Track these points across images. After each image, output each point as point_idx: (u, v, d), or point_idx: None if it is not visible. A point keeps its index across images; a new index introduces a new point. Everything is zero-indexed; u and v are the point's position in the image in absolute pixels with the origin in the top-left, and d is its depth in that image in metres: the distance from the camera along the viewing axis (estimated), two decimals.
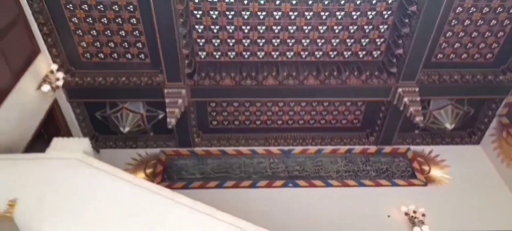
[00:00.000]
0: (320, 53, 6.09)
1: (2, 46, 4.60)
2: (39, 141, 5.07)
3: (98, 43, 5.77)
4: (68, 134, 6.12)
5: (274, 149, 7.19)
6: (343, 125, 7.29)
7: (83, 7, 5.33)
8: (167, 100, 6.04)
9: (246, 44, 5.92)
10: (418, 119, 6.01)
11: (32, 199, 3.57)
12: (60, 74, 5.56)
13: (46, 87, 5.28)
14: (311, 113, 7.10)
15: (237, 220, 3.61)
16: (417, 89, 6.14)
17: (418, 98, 6.10)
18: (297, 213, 6.04)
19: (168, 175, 6.73)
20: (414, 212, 5.96)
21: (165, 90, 6.05)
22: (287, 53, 6.08)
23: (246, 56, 6.09)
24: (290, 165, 6.95)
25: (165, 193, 3.90)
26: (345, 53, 6.11)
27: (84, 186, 3.80)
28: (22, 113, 5.00)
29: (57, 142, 4.15)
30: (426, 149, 7.26)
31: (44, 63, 5.51)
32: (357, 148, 7.24)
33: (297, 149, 7.21)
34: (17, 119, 4.90)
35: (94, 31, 5.61)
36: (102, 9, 5.35)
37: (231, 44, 5.91)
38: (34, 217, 3.41)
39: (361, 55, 6.16)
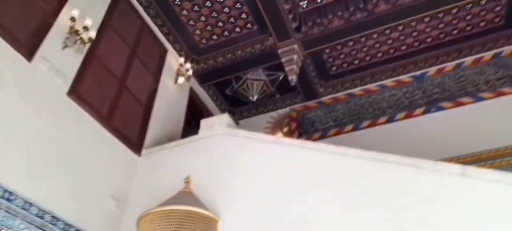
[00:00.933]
0: None
1: (138, 56, 5.25)
2: (189, 126, 5.80)
3: (209, 26, 6.15)
4: (209, 114, 6.80)
5: (405, 77, 6.61)
6: (482, 28, 6.22)
7: None
8: (282, 60, 6.13)
9: None
10: None
11: (198, 175, 4.11)
12: (188, 65, 6.13)
13: (181, 80, 5.92)
14: (438, 27, 6.24)
15: (387, 156, 3.50)
16: None
17: None
18: (447, 138, 5.52)
19: (304, 129, 6.92)
20: None
21: (279, 51, 6.14)
22: None
23: None
24: (427, 89, 6.33)
25: (308, 145, 4.04)
26: None
27: (236, 154, 4.19)
28: (170, 107, 5.71)
29: (204, 123, 4.63)
30: None
31: (173, 60, 6.15)
32: (507, 49, 6.10)
33: (431, 70, 6.48)
34: (169, 113, 5.61)
35: (202, 17, 5.98)
36: None
37: None
38: (205, 189, 3.93)
39: None
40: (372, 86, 6.83)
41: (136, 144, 4.68)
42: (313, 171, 3.69)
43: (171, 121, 5.62)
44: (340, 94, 7.03)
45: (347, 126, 6.57)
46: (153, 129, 5.06)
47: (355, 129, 6.46)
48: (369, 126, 6.38)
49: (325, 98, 7.10)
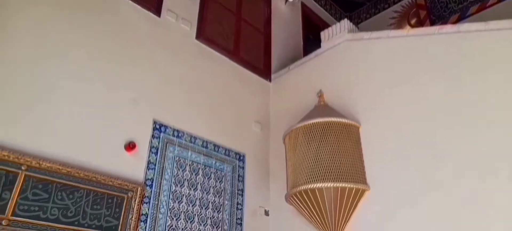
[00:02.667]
0: None
1: None
2: (309, 42, 5.74)
3: None
4: (326, 26, 6.56)
5: None
6: None
7: None
8: None
9: None
10: None
11: (329, 87, 4.10)
12: None
13: None
14: None
15: None
16: None
17: None
18: None
19: (436, 15, 6.02)
20: None
21: None
22: None
23: None
24: None
25: (448, 29, 3.55)
26: None
27: (364, 58, 4.00)
28: (286, 28, 5.70)
29: (325, 35, 4.48)
30: None
31: None
32: None
33: None
34: (287, 34, 5.62)
35: None
36: None
37: None
38: (339, 99, 3.92)
39: None
40: None
41: (264, 70, 4.91)
42: (458, 58, 3.28)
43: (290, 41, 5.64)
44: None
45: None
46: (276, 53, 5.19)
47: None
48: None
49: None
